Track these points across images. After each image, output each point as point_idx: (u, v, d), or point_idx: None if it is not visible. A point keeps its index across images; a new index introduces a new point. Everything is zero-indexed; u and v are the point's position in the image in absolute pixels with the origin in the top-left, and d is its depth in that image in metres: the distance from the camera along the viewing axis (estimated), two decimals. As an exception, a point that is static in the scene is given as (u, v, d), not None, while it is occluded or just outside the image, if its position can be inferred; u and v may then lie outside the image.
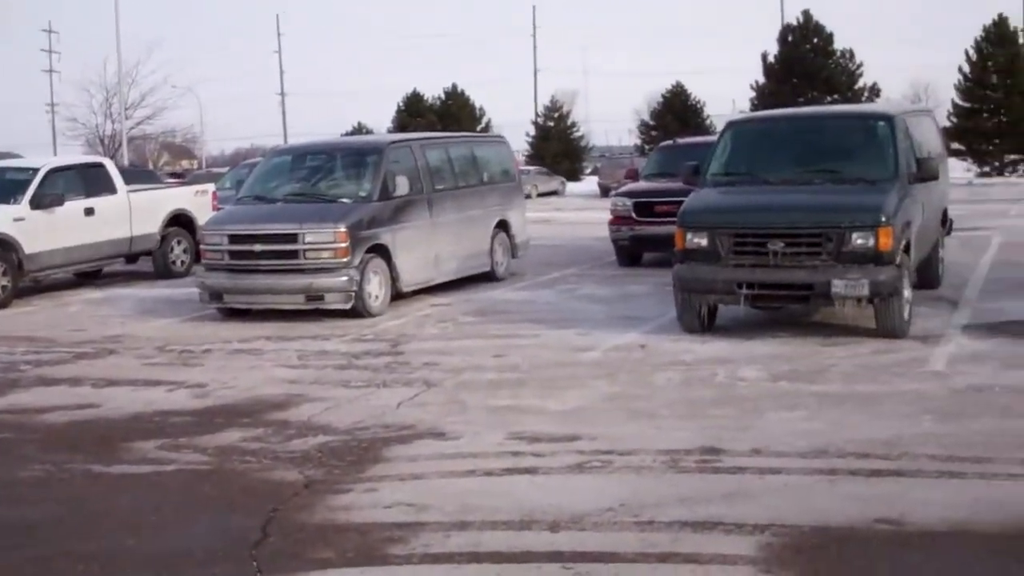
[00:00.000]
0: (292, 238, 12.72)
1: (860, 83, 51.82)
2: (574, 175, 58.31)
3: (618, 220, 17.09)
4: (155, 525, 5.97)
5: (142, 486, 6.71)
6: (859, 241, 9.97)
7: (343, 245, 12.56)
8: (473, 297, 14.19)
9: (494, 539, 5.49)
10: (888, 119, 11.42)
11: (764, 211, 10.57)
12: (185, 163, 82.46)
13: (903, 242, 10.33)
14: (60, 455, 7.42)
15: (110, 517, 6.13)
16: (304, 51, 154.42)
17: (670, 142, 21.16)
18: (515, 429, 7.53)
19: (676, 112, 55.41)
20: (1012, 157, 48.74)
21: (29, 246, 15.36)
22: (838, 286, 9.91)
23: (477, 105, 61.51)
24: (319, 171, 14.44)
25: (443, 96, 61.44)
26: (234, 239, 13.04)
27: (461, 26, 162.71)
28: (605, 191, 40.22)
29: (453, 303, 13.70)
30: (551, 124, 62.08)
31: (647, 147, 48.93)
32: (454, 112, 58.87)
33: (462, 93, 61.46)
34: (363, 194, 13.38)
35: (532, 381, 9.12)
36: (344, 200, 13.32)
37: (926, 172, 11.19)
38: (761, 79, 52.69)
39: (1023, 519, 5.48)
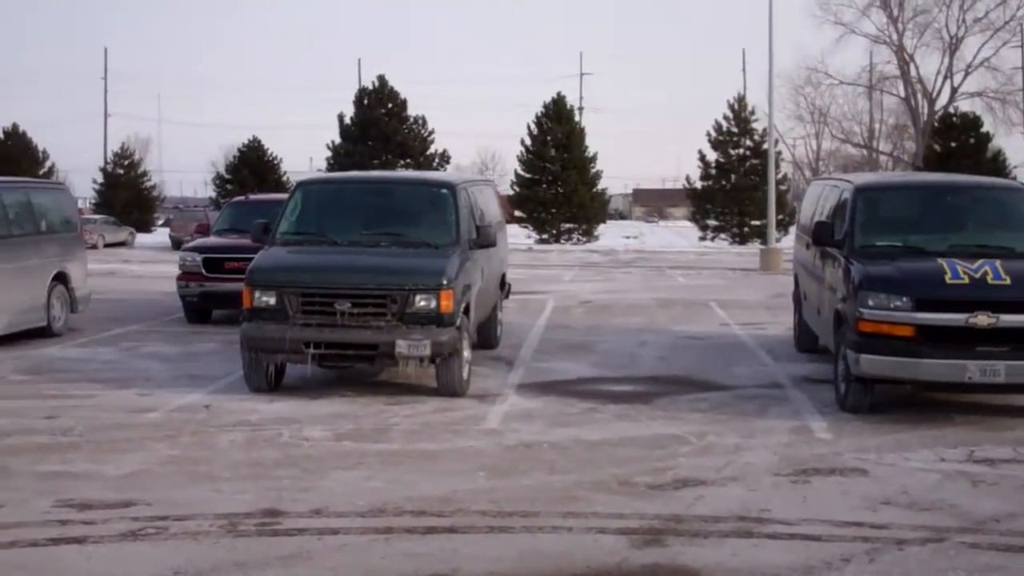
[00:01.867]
0: None
1: (432, 149, 53.92)
2: (145, 226, 56.28)
3: (187, 276, 16.69)
4: None
5: None
6: (422, 303, 10.35)
7: None
8: (26, 354, 13.32)
9: (34, 616, 5.17)
10: (451, 188, 11.98)
11: (332, 272, 10.72)
12: None
13: (463, 304, 10.84)
14: None
15: None
16: None
17: (242, 198, 21.00)
18: (65, 496, 7.13)
19: (252, 167, 54.91)
20: (567, 225, 52.46)
21: None
22: (402, 346, 10.22)
23: (40, 147, 58.03)
24: None
25: (1, 136, 57.40)
26: None
27: (30, 62, 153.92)
28: (177, 244, 39.19)
29: (2, 360, 12.78)
30: (121, 172, 59.58)
31: (223, 201, 48.13)
32: (14, 154, 55.07)
33: (24, 134, 57.67)
34: (-100, 241, 12.24)
35: (87, 445, 8.67)
36: None
37: (485, 239, 11.84)
38: (338, 139, 53.59)
39: (563, 570, 5.88)
